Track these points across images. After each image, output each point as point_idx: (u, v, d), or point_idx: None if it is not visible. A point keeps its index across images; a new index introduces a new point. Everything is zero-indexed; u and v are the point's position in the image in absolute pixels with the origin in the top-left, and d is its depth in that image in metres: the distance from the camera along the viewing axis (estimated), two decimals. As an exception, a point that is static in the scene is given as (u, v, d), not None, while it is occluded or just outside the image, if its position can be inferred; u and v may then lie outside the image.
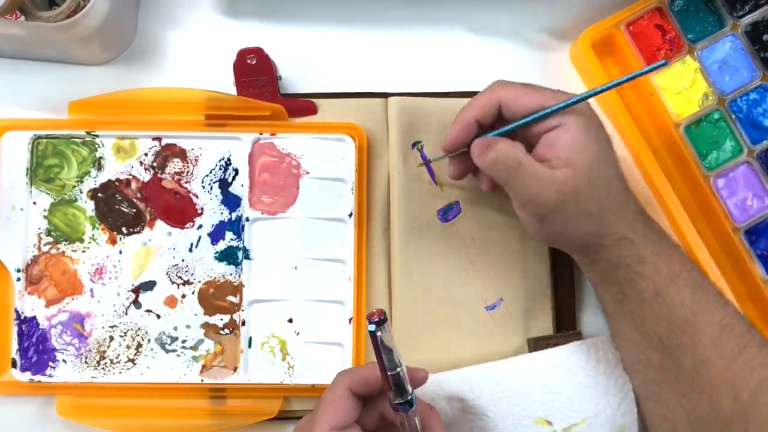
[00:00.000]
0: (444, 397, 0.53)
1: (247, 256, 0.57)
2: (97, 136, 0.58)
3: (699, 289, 0.48)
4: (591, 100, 0.60)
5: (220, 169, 0.58)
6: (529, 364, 0.54)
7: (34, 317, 0.57)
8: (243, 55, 0.58)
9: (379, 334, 0.42)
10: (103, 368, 0.57)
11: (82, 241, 0.57)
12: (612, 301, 0.50)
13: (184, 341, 0.57)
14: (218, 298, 0.57)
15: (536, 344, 0.56)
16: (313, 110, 0.59)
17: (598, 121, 0.50)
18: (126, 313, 0.57)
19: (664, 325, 0.47)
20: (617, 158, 0.50)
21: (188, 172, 0.58)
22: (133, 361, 0.57)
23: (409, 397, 0.44)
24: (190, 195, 0.58)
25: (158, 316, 0.57)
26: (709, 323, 0.46)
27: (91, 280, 0.57)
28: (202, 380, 0.57)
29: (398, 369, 0.43)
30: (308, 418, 0.47)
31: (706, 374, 0.46)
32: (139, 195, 0.58)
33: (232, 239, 0.58)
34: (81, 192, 0.58)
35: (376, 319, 0.42)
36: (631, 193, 0.50)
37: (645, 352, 0.49)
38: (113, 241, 0.57)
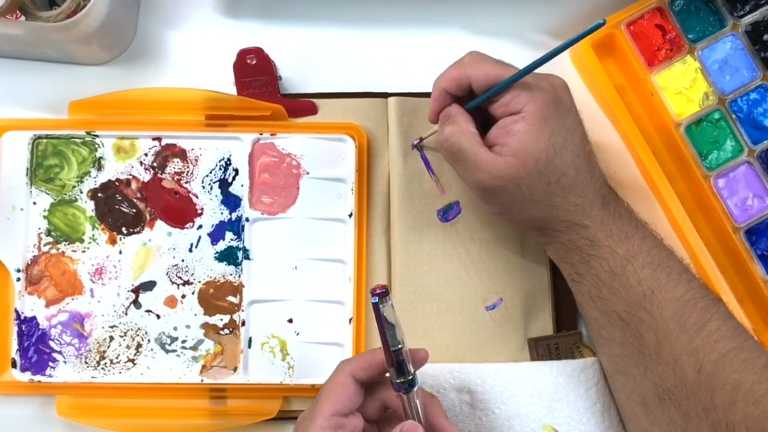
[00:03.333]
0: (454, 387, 0.54)
1: (247, 257, 0.57)
2: (97, 136, 0.58)
3: (659, 267, 0.48)
4: (589, 97, 0.60)
5: (220, 169, 0.58)
6: (544, 369, 0.54)
7: (34, 317, 0.57)
8: (243, 55, 0.58)
9: (381, 306, 0.43)
10: (102, 368, 0.57)
11: (82, 241, 0.57)
12: (570, 281, 0.52)
13: (184, 341, 0.57)
14: (218, 299, 0.57)
15: (536, 344, 0.56)
16: (313, 110, 0.59)
17: (566, 105, 0.49)
18: (126, 314, 0.57)
19: (623, 303, 0.48)
20: (582, 144, 0.49)
21: (188, 172, 0.58)
22: (132, 361, 0.57)
23: (410, 377, 0.44)
24: (190, 195, 0.58)
25: (158, 317, 0.57)
26: (670, 299, 0.47)
27: (91, 280, 0.57)
28: (202, 380, 0.57)
29: (400, 346, 0.44)
30: (310, 407, 0.47)
31: (669, 348, 0.47)
32: (139, 195, 0.58)
33: (232, 239, 0.58)
34: (81, 192, 0.58)
35: (379, 292, 0.43)
36: (598, 176, 0.50)
37: (606, 328, 0.50)
38: (113, 241, 0.57)
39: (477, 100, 0.50)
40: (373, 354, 0.46)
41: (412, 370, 0.44)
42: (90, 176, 0.58)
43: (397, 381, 0.44)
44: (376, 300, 0.43)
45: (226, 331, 0.57)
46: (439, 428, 0.46)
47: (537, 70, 0.49)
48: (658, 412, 0.48)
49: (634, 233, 0.49)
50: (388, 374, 0.45)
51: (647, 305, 0.47)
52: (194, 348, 0.57)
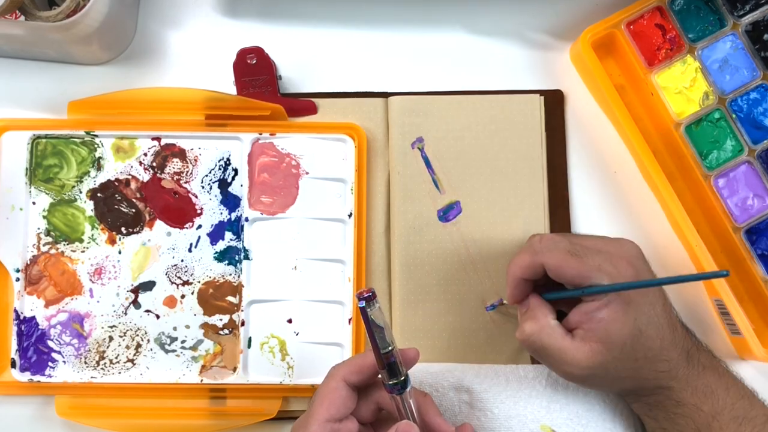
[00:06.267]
0: (453, 387, 0.53)
1: (246, 257, 0.57)
2: (96, 136, 0.58)
3: (744, 421, 0.48)
4: (589, 97, 0.60)
5: (220, 169, 0.58)
6: (543, 371, 0.54)
7: (34, 317, 0.57)
8: (243, 54, 0.58)
9: (369, 310, 0.42)
10: (102, 368, 0.57)
11: (81, 241, 0.57)
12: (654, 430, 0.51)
13: (183, 341, 0.57)
14: (218, 299, 0.57)
15: (536, 344, 0.56)
16: (313, 110, 0.59)
17: (652, 274, 0.49)
18: (125, 314, 0.57)
19: None
20: (662, 313, 0.48)
21: (188, 172, 0.58)
22: (132, 361, 0.57)
23: (403, 378, 0.44)
24: (190, 195, 0.58)
25: (157, 317, 0.57)
26: None
27: (91, 280, 0.57)
28: (202, 380, 0.57)
29: (390, 347, 0.43)
30: (304, 414, 0.47)
31: None
32: (138, 195, 0.58)
33: (231, 239, 0.58)
34: (80, 192, 0.58)
35: (366, 296, 0.42)
36: (679, 335, 0.49)
37: None
38: (112, 241, 0.57)
39: (561, 294, 0.49)
40: (364, 357, 0.46)
41: (404, 371, 0.44)
42: (89, 176, 0.58)
43: (390, 383, 0.44)
44: (363, 304, 0.43)
45: (226, 331, 0.57)
46: (434, 426, 0.46)
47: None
48: None
49: (718, 386, 0.48)
50: (380, 376, 0.45)
51: None
52: (194, 348, 0.57)
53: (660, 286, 0.48)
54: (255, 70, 0.58)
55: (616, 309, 0.47)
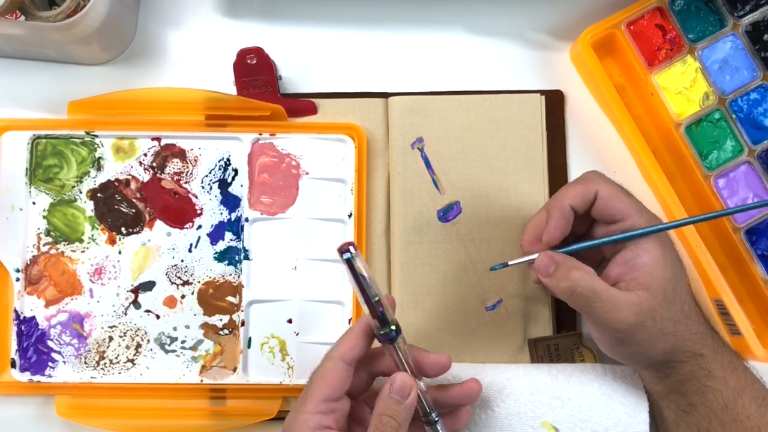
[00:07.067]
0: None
1: (246, 257, 0.57)
2: (96, 136, 0.58)
3: (764, 403, 0.48)
4: (589, 97, 0.60)
5: (220, 169, 0.58)
6: (543, 368, 0.54)
7: (34, 317, 0.57)
8: (243, 55, 0.58)
9: (354, 261, 0.43)
10: (102, 368, 0.57)
11: (81, 241, 0.57)
12: (678, 411, 0.50)
13: (183, 341, 0.57)
14: (218, 299, 0.57)
15: (536, 344, 0.56)
16: (313, 110, 0.59)
17: (669, 237, 0.50)
18: (125, 314, 0.57)
19: None
20: (686, 273, 0.50)
21: (188, 172, 0.58)
22: (132, 361, 0.57)
23: (394, 326, 0.45)
24: (190, 195, 0.58)
25: (157, 317, 0.57)
26: None
27: (91, 280, 0.57)
28: (202, 380, 0.57)
29: (378, 297, 0.44)
30: (299, 398, 0.47)
31: None
32: (138, 195, 0.58)
33: (231, 239, 0.58)
34: (80, 192, 0.58)
35: (348, 248, 0.43)
36: (698, 306, 0.50)
37: None
38: (112, 242, 0.57)
39: (583, 245, 0.50)
40: (353, 330, 0.47)
41: (394, 319, 0.45)
42: (89, 176, 0.58)
43: (382, 332, 0.45)
44: (349, 256, 0.43)
45: (226, 331, 0.57)
46: (426, 361, 0.48)
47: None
48: None
49: (739, 364, 0.49)
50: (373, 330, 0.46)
51: None
52: (194, 348, 0.57)
53: (702, 222, 0.49)
54: (255, 71, 0.58)
55: (655, 254, 0.48)
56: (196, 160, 0.58)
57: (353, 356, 0.46)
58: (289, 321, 0.57)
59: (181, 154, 0.58)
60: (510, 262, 0.53)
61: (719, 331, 0.51)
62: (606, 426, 0.52)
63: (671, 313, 0.48)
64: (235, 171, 0.58)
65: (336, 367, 0.45)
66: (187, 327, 0.57)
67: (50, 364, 0.57)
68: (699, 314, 0.49)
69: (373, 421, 0.45)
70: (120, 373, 0.57)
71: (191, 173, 0.58)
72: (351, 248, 0.43)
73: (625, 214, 0.49)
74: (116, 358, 0.57)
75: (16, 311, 0.57)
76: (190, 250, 0.58)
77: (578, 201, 0.49)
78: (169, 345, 0.57)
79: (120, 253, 0.57)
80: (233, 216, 0.58)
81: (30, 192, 0.57)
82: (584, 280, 0.48)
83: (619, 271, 0.48)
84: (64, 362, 0.57)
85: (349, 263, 0.43)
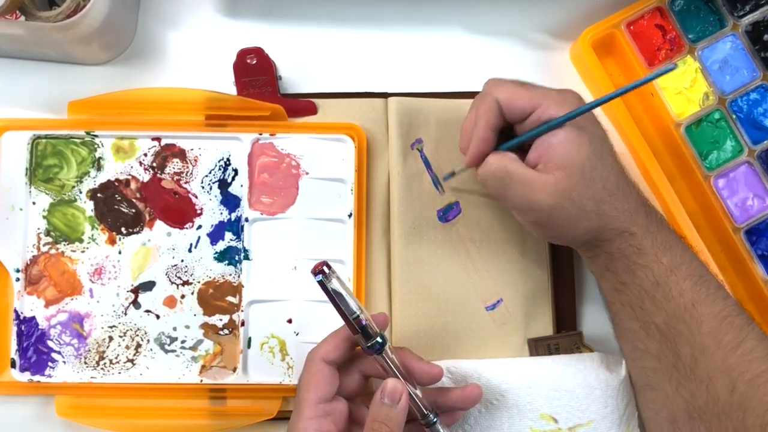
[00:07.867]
0: (452, 382, 0.54)
1: (246, 257, 0.57)
2: (96, 136, 0.58)
3: (699, 280, 0.48)
4: (589, 97, 0.60)
5: (220, 169, 0.58)
6: (540, 361, 0.54)
7: (34, 317, 0.57)
8: (243, 55, 0.58)
9: (327, 283, 0.44)
10: (102, 368, 0.57)
11: (81, 241, 0.57)
12: (612, 290, 0.51)
13: (183, 341, 0.57)
14: (217, 299, 0.57)
15: (536, 344, 0.56)
16: (313, 110, 0.59)
17: (593, 116, 0.50)
18: (125, 314, 0.57)
19: (663, 315, 0.48)
20: (613, 152, 0.50)
21: (188, 172, 0.58)
22: (132, 361, 0.57)
23: (378, 339, 0.45)
24: (190, 195, 0.58)
25: (157, 317, 0.57)
26: (708, 314, 0.47)
27: (91, 280, 0.57)
28: (202, 380, 0.57)
29: (357, 313, 0.45)
30: (295, 404, 0.48)
31: (704, 364, 0.47)
32: (138, 195, 0.58)
33: (231, 239, 0.58)
34: (80, 192, 0.58)
35: (320, 269, 0.44)
36: (634, 185, 0.50)
37: (643, 341, 0.50)
38: (112, 242, 0.57)
39: (519, 138, 0.50)
40: (337, 332, 0.47)
41: (378, 330, 0.46)
42: (89, 176, 0.58)
43: (368, 345, 0.46)
44: (321, 278, 0.44)
45: (226, 331, 0.57)
46: (417, 370, 0.48)
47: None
48: (687, 430, 0.48)
49: (675, 243, 0.49)
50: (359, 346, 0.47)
51: (687, 318, 0.47)
52: (194, 348, 0.57)
53: (614, 99, 0.49)
54: (255, 71, 0.58)
55: (569, 132, 0.48)
56: (196, 160, 0.58)
57: (333, 358, 0.47)
58: (289, 321, 0.57)
59: (181, 154, 0.58)
60: (456, 170, 0.56)
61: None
62: (603, 414, 0.52)
63: (592, 192, 0.47)
64: (235, 171, 0.58)
65: (318, 368, 0.47)
66: (187, 327, 0.57)
67: (50, 364, 0.57)
68: (629, 193, 0.49)
69: (367, 427, 0.45)
70: (120, 373, 0.57)
71: (191, 173, 0.58)
72: (324, 268, 0.44)
73: (529, 107, 0.48)
74: (116, 358, 0.57)
75: (16, 311, 0.57)
76: (190, 250, 0.58)
77: (492, 117, 0.49)
78: (169, 345, 0.57)
79: (120, 253, 0.57)
80: (233, 216, 0.58)
81: (30, 192, 0.57)
82: (499, 163, 0.49)
83: (537, 154, 0.48)
84: (64, 362, 0.57)
85: (322, 285, 0.45)
